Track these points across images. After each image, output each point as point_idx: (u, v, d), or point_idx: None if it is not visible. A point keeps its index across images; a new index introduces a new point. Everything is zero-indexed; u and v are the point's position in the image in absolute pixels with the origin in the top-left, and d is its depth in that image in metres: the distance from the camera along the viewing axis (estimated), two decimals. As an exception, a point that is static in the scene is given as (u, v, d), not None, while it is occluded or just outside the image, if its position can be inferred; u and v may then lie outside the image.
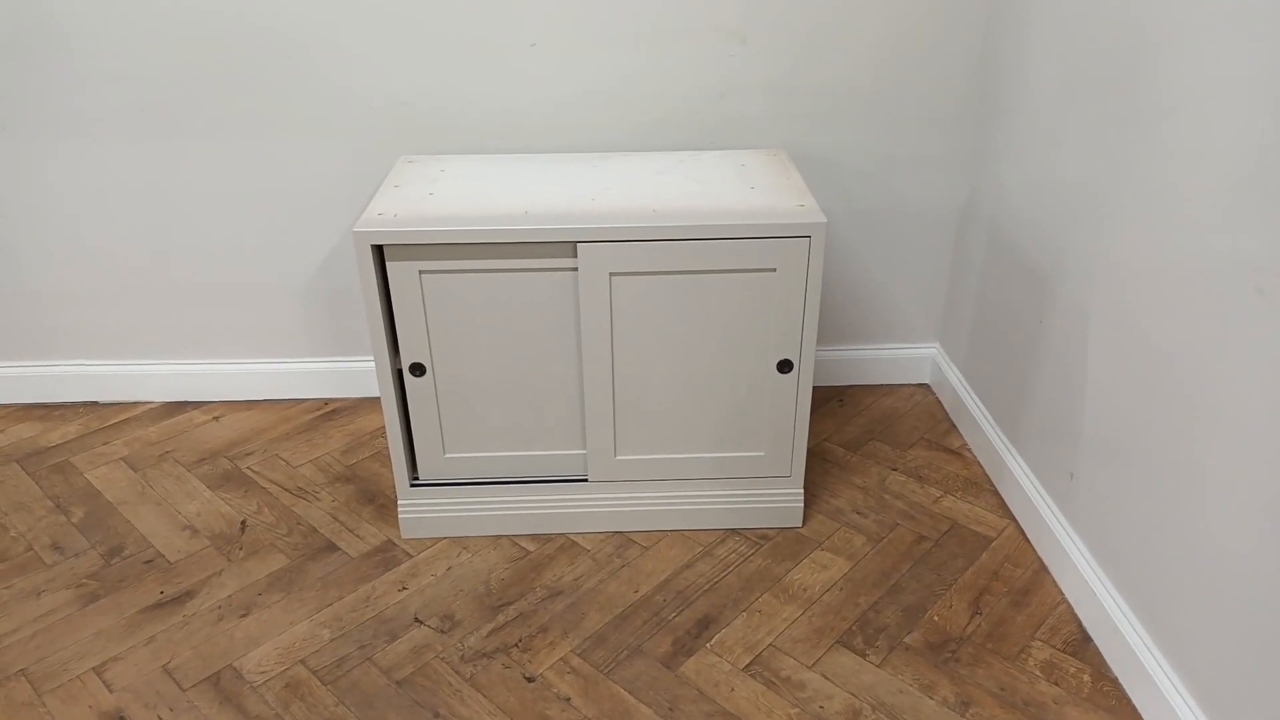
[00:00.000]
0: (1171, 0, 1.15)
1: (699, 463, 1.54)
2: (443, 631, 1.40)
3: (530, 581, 1.49)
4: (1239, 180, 1.04)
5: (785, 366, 1.46)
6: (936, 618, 1.41)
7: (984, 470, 1.73)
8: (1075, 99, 1.40)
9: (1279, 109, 0.97)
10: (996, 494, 1.67)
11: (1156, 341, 1.20)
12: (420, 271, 1.38)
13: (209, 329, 1.93)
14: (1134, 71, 1.24)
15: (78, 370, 1.95)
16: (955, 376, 1.89)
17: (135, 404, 1.97)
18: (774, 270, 1.38)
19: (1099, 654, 1.34)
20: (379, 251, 1.37)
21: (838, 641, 1.37)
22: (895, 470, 1.74)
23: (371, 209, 1.40)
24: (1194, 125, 1.11)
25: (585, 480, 1.55)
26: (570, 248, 1.37)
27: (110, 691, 1.30)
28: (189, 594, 1.47)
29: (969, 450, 1.80)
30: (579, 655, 1.35)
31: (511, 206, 1.41)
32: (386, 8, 1.63)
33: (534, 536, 1.58)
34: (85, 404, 1.97)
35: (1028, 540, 1.56)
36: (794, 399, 1.48)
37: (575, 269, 1.38)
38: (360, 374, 1.97)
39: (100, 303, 1.89)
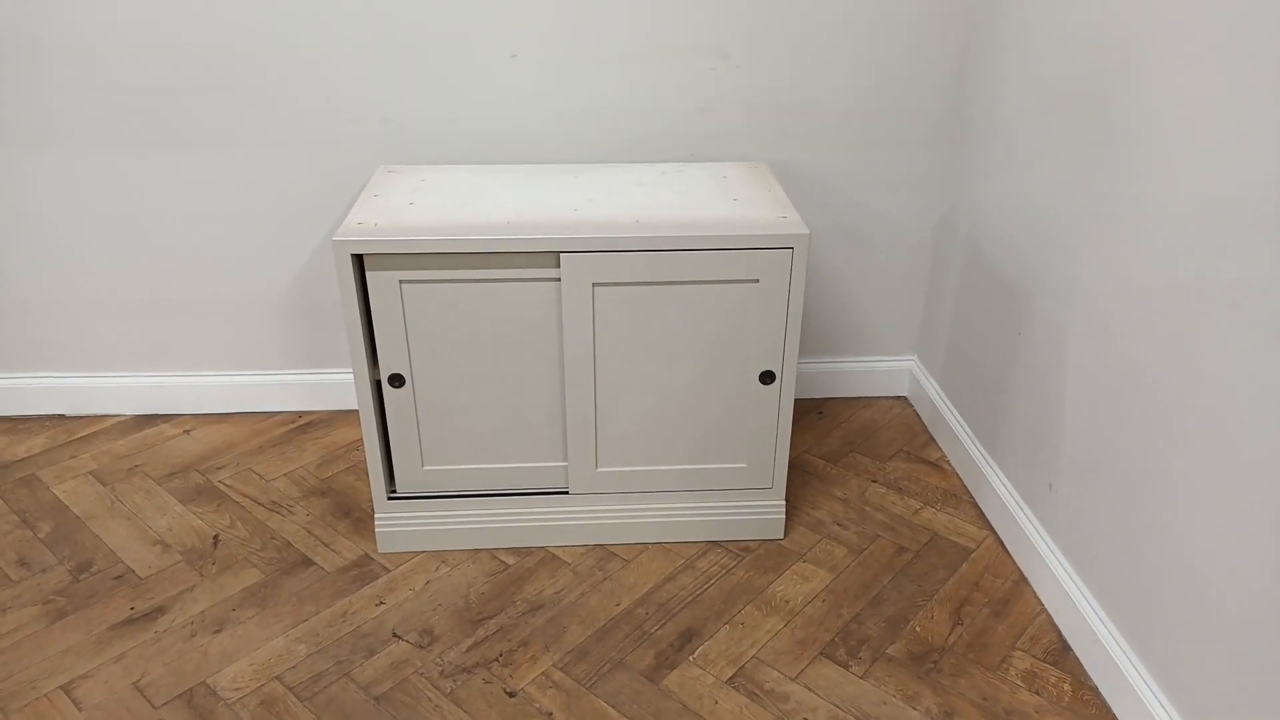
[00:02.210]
0: (1145, 24, 1.17)
1: (680, 474, 1.54)
2: (422, 646, 1.38)
3: (510, 595, 1.47)
4: (1214, 198, 1.06)
5: (767, 378, 1.46)
6: (918, 628, 1.41)
7: (962, 482, 1.74)
8: (1050, 121, 1.42)
9: (1250, 128, 0.99)
10: (975, 505, 1.68)
11: (1134, 356, 1.22)
12: (400, 281, 1.36)
13: (180, 340, 1.89)
14: (1108, 93, 1.26)
15: (44, 382, 1.91)
16: (933, 389, 1.90)
17: (104, 417, 1.93)
18: (756, 281, 1.39)
19: (1079, 663, 1.35)
20: (359, 261, 1.36)
21: (821, 653, 1.37)
22: (875, 482, 1.75)
23: (351, 218, 1.39)
24: (1168, 145, 1.13)
25: (566, 493, 1.54)
26: (553, 258, 1.36)
27: (79, 710, 1.26)
28: (160, 610, 1.43)
29: (947, 462, 1.81)
30: (560, 669, 1.34)
31: (493, 216, 1.40)
32: (366, 20, 1.62)
33: (514, 550, 1.57)
34: (52, 417, 1.93)
35: (1007, 551, 1.57)
36: (776, 410, 1.48)
37: (558, 279, 1.38)
38: (335, 386, 1.95)
39: (68, 313, 1.85)
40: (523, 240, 1.33)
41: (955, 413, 1.80)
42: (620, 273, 1.37)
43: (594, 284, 1.37)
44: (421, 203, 1.46)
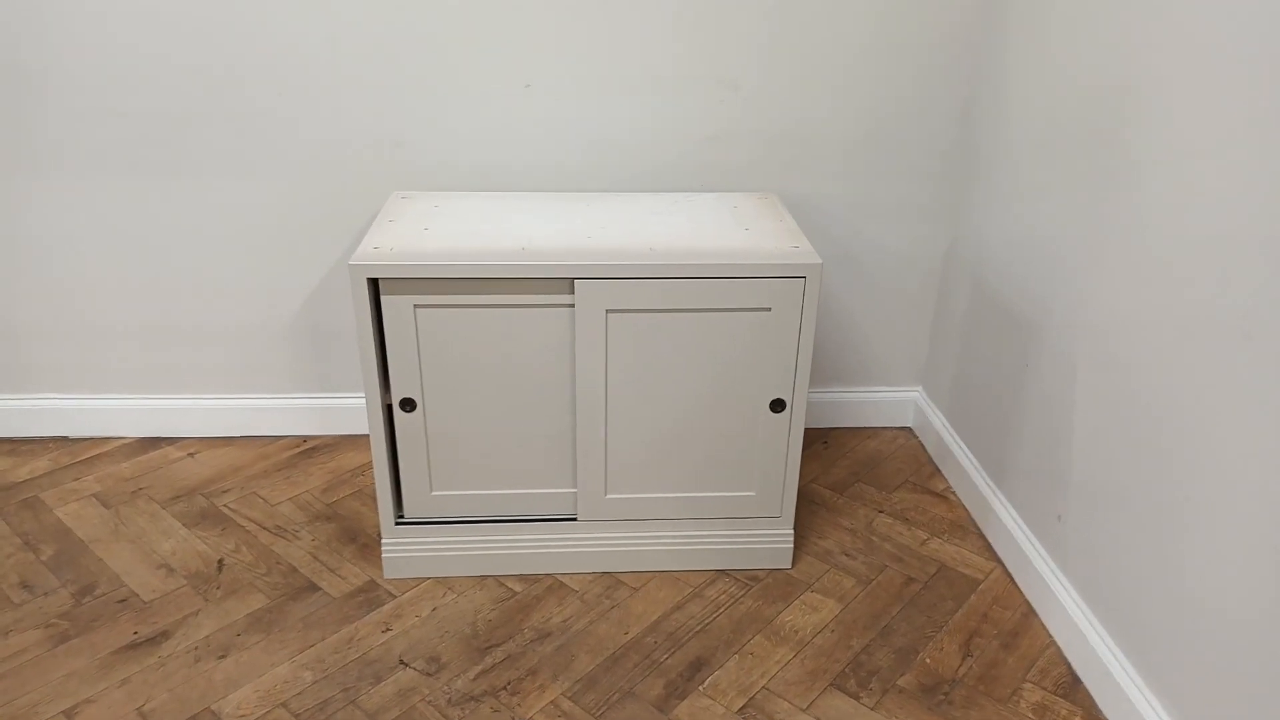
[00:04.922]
0: (1150, 57, 1.20)
1: (689, 502, 1.53)
2: (429, 674, 1.36)
3: (518, 623, 1.46)
4: (1221, 228, 1.07)
5: (778, 406, 1.46)
6: (928, 660, 1.41)
7: (969, 513, 1.74)
8: (1057, 153, 1.44)
9: (1256, 159, 1.01)
10: (982, 537, 1.68)
11: (1143, 387, 1.22)
12: (415, 306, 1.37)
13: (184, 363, 1.89)
14: (1114, 126, 1.28)
15: (48, 404, 1.90)
16: (939, 420, 1.90)
17: (107, 439, 1.92)
18: (769, 310, 1.39)
19: (1089, 696, 1.34)
20: (374, 285, 1.36)
21: (831, 684, 1.36)
22: (882, 512, 1.75)
23: (366, 243, 1.40)
24: (1173, 176, 1.15)
25: (574, 519, 1.54)
26: (567, 284, 1.37)
27: (82, 736, 1.25)
28: (165, 634, 1.42)
29: (953, 493, 1.81)
30: (569, 698, 1.33)
31: (508, 243, 1.41)
32: (381, 46, 1.64)
33: (521, 577, 1.56)
34: (55, 439, 1.92)
35: (1014, 582, 1.56)
36: (786, 439, 1.49)
37: (571, 305, 1.38)
38: (340, 411, 1.94)
39: (72, 336, 1.85)
40: (538, 266, 1.34)
41: (961, 444, 1.80)
42: (634, 300, 1.37)
43: (607, 311, 1.38)
44: (436, 229, 1.47)
